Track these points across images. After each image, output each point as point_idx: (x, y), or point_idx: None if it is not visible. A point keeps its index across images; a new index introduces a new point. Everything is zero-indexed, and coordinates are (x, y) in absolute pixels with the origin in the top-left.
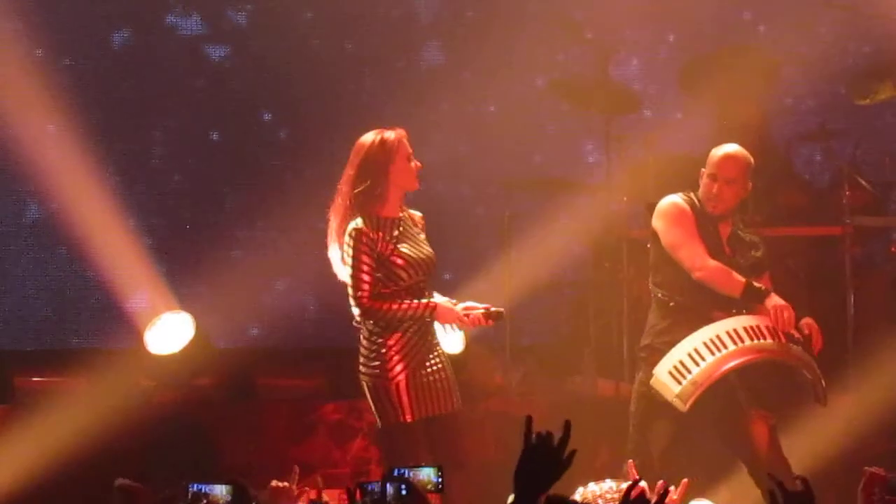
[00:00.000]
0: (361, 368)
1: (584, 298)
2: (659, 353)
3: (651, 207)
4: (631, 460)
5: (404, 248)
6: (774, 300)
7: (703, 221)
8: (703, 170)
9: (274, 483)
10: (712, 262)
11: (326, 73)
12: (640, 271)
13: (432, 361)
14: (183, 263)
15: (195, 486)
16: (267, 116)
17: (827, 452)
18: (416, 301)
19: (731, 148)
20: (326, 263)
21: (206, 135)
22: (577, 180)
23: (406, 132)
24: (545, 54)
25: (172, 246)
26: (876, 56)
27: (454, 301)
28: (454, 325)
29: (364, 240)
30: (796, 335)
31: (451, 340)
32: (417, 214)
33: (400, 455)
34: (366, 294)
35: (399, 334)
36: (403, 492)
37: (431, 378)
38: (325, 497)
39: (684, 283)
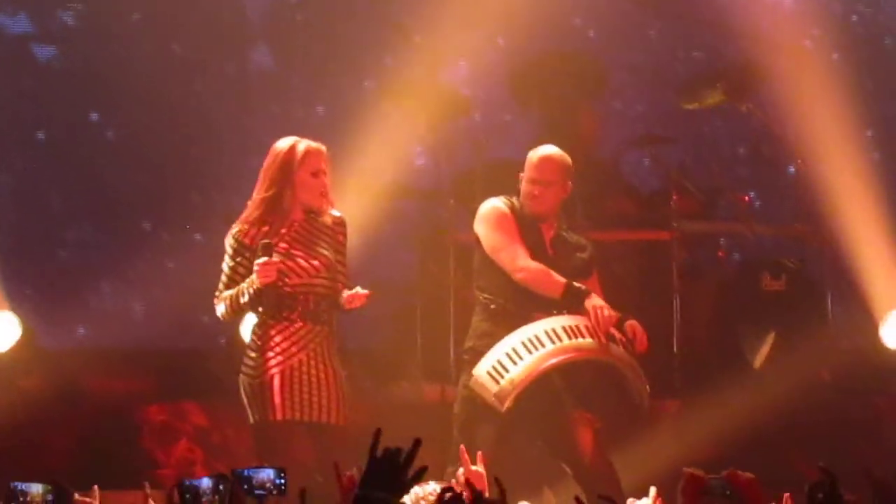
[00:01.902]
0: (242, 368)
1: (411, 302)
2: (480, 355)
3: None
4: (462, 446)
5: (292, 252)
6: (594, 300)
7: (524, 224)
8: (521, 174)
9: (77, 497)
10: (533, 264)
11: (154, 74)
12: (466, 275)
13: (311, 370)
14: (9, 263)
15: (15, 484)
16: (94, 117)
17: (652, 456)
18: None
19: (548, 150)
20: (153, 264)
21: (33, 134)
22: (405, 184)
23: (322, 148)
24: (374, 57)
25: None
26: (705, 61)
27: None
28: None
29: (235, 245)
30: (617, 335)
31: None
32: (334, 215)
33: (268, 452)
34: (217, 293)
35: (275, 334)
36: (220, 487)
37: (306, 385)
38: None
39: (506, 287)
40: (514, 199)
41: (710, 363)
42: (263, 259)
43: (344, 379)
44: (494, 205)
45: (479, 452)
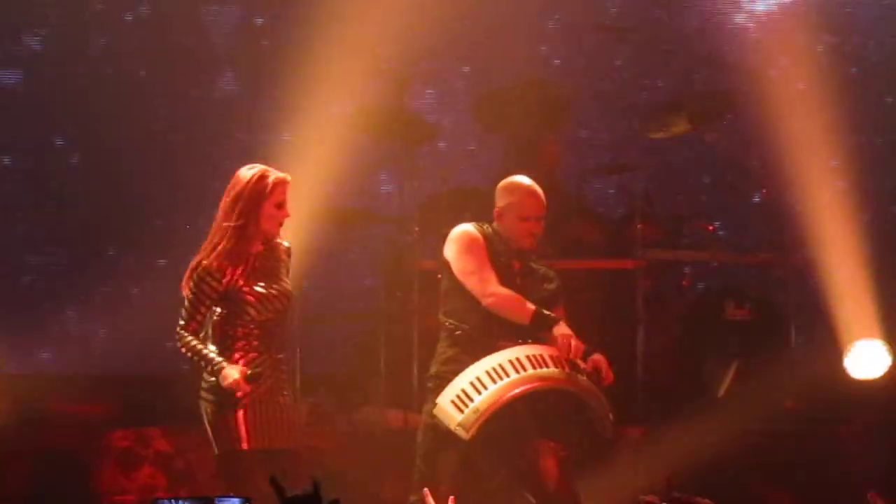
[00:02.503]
0: (202, 393)
1: (375, 329)
2: (445, 381)
3: (446, 238)
4: (426, 489)
5: (257, 284)
6: (562, 329)
7: (494, 252)
8: (501, 205)
9: None
10: (502, 289)
11: (120, 99)
12: (431, 302)
13: (274, 398)
14: None
15: None
16: (59, 142)
17: (616, 484)
18: (214, 354)
19: (528, 182)
20: (117, 290)
21: None
22: (370, 211)
23: (288, 179)
24: (341, 84)
25: None
26: (671, 90)
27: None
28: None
29: (204, 276)
30: (582, 365)
31: None
32: (284, 244)
33: (235, 482)
34: (181, 324)
35: (242, 365)
36: None
37: (271, 412)
38: None
39: (472, 312)
40: (486, 226)
41: (673, 391)
42: (236, 378)
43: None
44: (466, 229)
45: (452, 498)
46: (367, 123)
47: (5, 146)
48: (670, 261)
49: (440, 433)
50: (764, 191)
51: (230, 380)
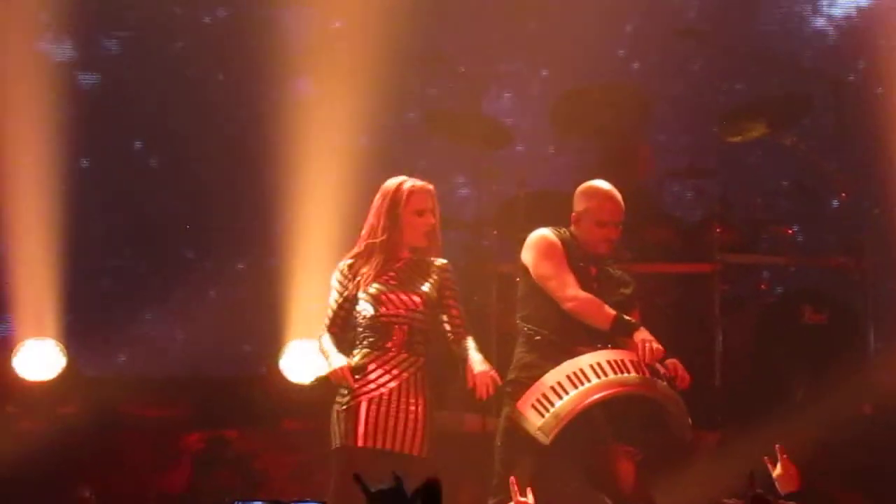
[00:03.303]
0: (336, 398)
1: None
2: (524, 387)
3: (523, 242)
4: (513, 477)
5: (390, 286)
6: (643, 334)
7: (572, 257)
8: (578, 210)
9: None
10: (583, 294)
11: (198, 102)
12: (509, 306)
13: (402, 399)
14: (51, 290)
15: None
16: (138, 145)
17: (692, 489)
18: (337, 352)
19: (607, 187)
20: (195, 293)
21: (76, 162)
22: (447, 215)
23: (428, 188)
24: (418, 87)
25: (40, 272)
26: (748, 94)
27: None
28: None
29: (341, 279)
30: (661, 370)
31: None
32: (439, 262)
33: (341, 478)
34: (324, 326)
35: (369, 362)
36: None
37: (394, 413)
38: None
39: (551, 317)
40: (563, 231)
41: (750, 396)
42: (342, 370)
43: (433, 411)
44: (544, 234)
45: (529, 487)
46: (444, 127)
47: (84, 149)
48: (748, 265)
49: (519, 437)
50: (843, 195)
51: (337, 373)
